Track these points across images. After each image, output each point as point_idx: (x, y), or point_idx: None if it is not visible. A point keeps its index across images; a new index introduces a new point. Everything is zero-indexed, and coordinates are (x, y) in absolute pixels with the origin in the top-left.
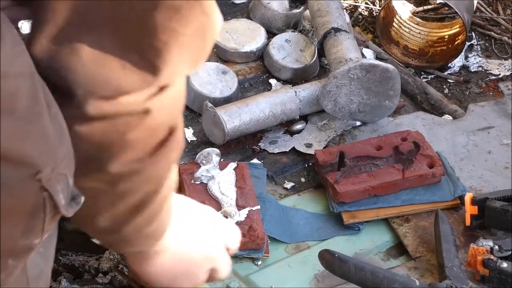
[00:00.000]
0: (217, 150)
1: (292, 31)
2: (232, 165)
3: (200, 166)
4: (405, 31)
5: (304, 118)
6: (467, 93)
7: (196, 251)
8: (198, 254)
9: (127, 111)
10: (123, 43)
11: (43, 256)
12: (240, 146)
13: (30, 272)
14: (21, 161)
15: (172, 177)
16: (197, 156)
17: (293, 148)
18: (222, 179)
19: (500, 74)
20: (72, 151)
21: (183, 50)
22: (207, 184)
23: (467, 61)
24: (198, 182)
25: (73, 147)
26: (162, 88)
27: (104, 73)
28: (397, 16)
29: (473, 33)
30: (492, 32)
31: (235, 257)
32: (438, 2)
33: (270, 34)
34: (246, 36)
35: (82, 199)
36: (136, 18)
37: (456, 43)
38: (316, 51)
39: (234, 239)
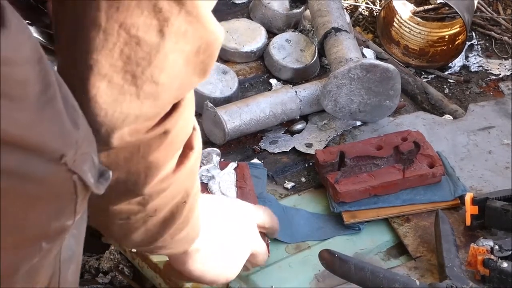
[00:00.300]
0: (217, 150)
1: (292, 31)
2: (233, 165)
3: (200, 166)
4: (405, 31)
5: (305, 118)
6: (468, 93)
7: (233, 240)
8: (236, 243)
9: (148, 137)
10: (134, 75)
11: (76, 238)
12: (241, 146)
13: (63, 254)
14: (40, 148)
15: (198, 182)
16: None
17: (294, 148)
18: (223, 179)
19: (500, 74)
20: (90, 129)
21: (190, 66)
22: (207, 184)
23: (467, 61)
24: None
25: None
26: (175, 105)
27: (123, 109)
28: (397, 16)
29: (473, 33)
30: (493, 32)
31: None
32: (438, 2)
33: (271, 34)
34: (247, 36)
35: (110, 173)
36: (148, 53)
37: (456, 43)
38: (317, 51)
39: (267, 219)
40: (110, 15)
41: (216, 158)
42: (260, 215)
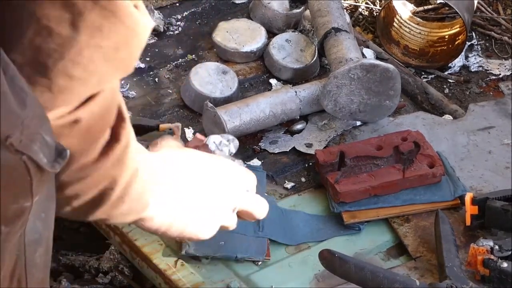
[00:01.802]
0: (236, 141)
1: (292, 31)
2: (240, 162)
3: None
4: (405, 31)
5: (305, 118)
6: (468, 93)
7: (206, 198)
8: (210, 201)
9: (58, 124)
10: (47, 68)
11: (43, 221)
12: (241, 146)
13: (27, 237)
14: None
15: (131, 170)
16: (210, 141)
17: (294, 148)
18: None
19: (500, 74)
20: (42, 109)
21: (109, 62)
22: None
23: (467, 61)
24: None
25: None
26: (91, 97)
27: None
28: (397, 16)
29: (473, 33)
30: (493, 32)
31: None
32: (438, 2)
33: (271, 34)
34: (247, 36)
35: (68, 152)
36: (60, 45)
37: (456, 43)
38: (317, 51)
39: (249, 180)
40: (21, 5)
41: (228, 149)
42: (250, 180)
